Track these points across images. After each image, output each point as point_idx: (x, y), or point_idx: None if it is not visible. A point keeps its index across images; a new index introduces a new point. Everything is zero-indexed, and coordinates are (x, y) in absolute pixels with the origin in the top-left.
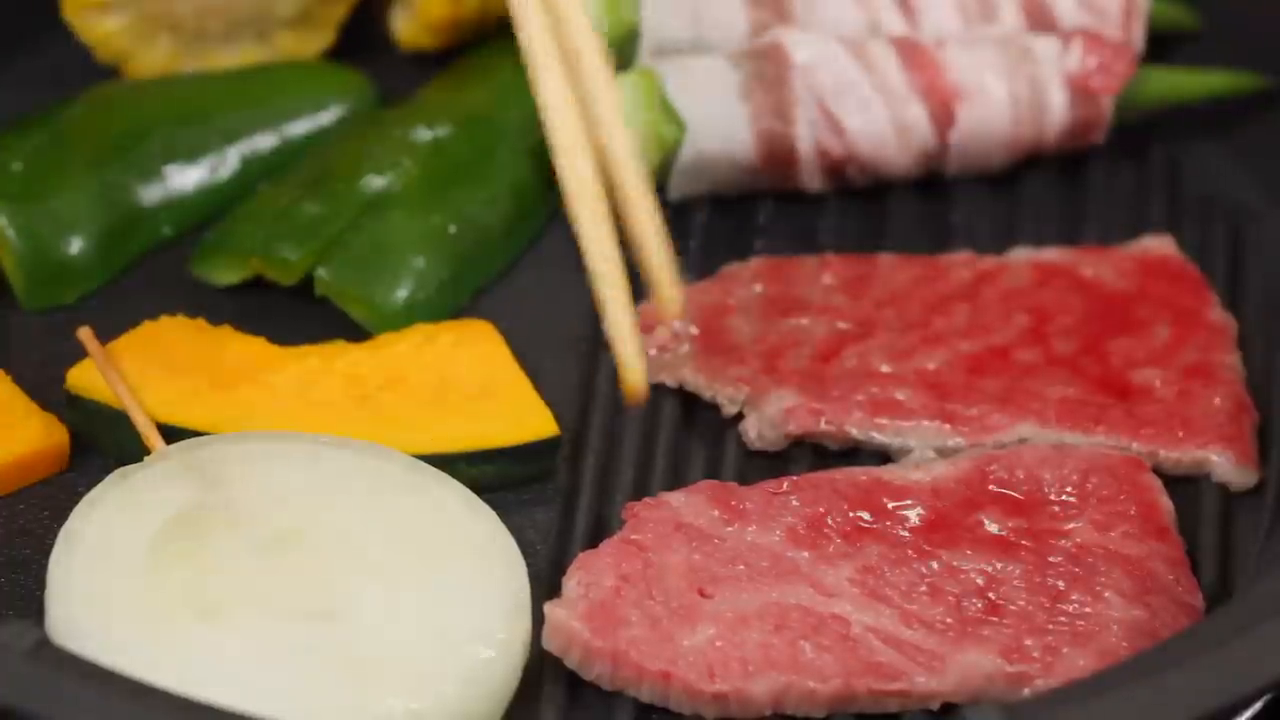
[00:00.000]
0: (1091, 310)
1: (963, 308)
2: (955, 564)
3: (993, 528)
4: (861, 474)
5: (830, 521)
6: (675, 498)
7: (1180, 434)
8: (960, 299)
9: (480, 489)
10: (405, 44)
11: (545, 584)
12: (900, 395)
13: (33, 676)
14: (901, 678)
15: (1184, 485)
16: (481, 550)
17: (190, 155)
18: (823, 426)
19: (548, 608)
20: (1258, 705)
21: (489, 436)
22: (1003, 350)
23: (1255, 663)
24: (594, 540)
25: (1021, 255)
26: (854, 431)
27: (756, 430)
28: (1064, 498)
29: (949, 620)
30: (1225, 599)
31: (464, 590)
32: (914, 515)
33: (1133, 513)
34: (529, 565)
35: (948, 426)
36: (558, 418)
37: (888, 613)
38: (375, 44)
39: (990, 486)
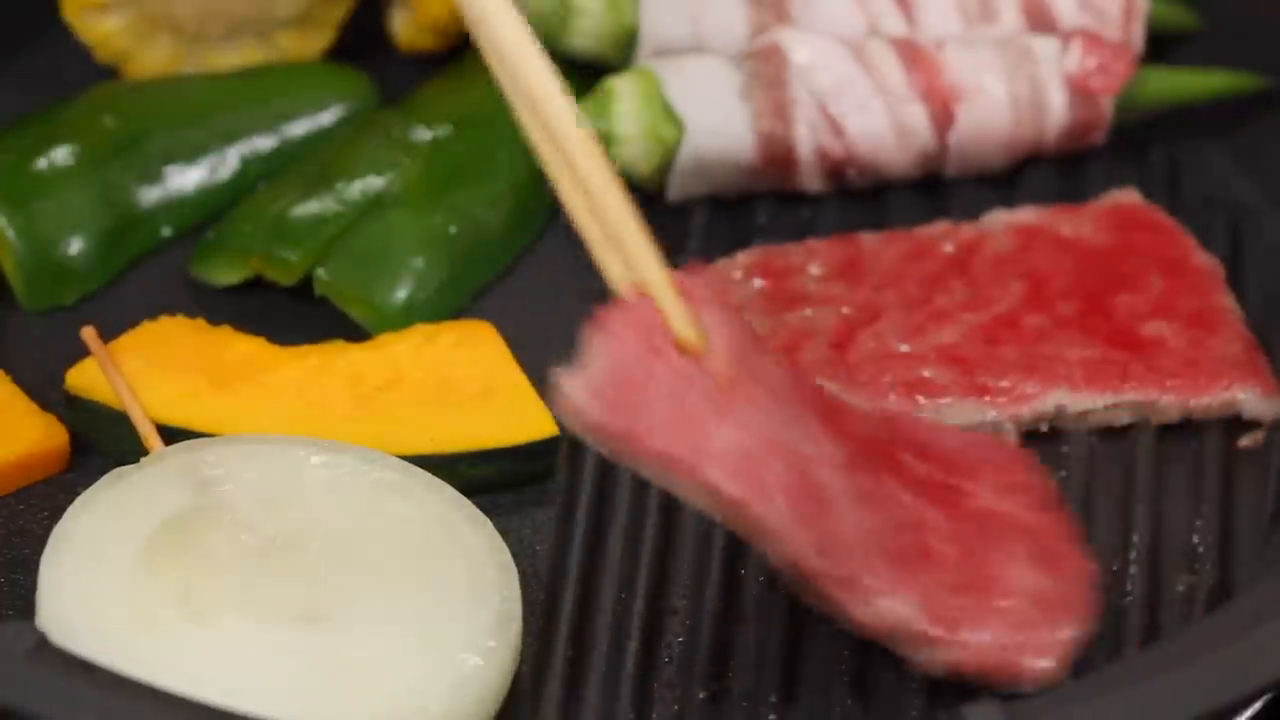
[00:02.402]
0: (1082, 268)
1: (958, 280)
2: (893, 491)
3: (917, 468)
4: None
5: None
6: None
7: (1203, 380)
8: (953, 272)
9: (480, 489)
10: (405, 44)
11: (544, 585)
12: (927, 373)
13: (32, 677)
14: (848, 585)
15: (1183, 485)
16: (473, 557)
17: (190, 155)
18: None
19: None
20: (1257, 705)
21: (489, 437)
22: (1010, 318)
23: (1255, 663)
24: (594, 540)
25: (997, 219)
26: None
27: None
28: (961, 460)
29: (892, 545)
30: (1225, 599)
31: (454, 597)
32: (858, 432)
33: (1024, 485)
34: (528, 565)
35: (986, 399)
36: (557, 418)
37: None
38: (375, 44)
39: (904, 432)
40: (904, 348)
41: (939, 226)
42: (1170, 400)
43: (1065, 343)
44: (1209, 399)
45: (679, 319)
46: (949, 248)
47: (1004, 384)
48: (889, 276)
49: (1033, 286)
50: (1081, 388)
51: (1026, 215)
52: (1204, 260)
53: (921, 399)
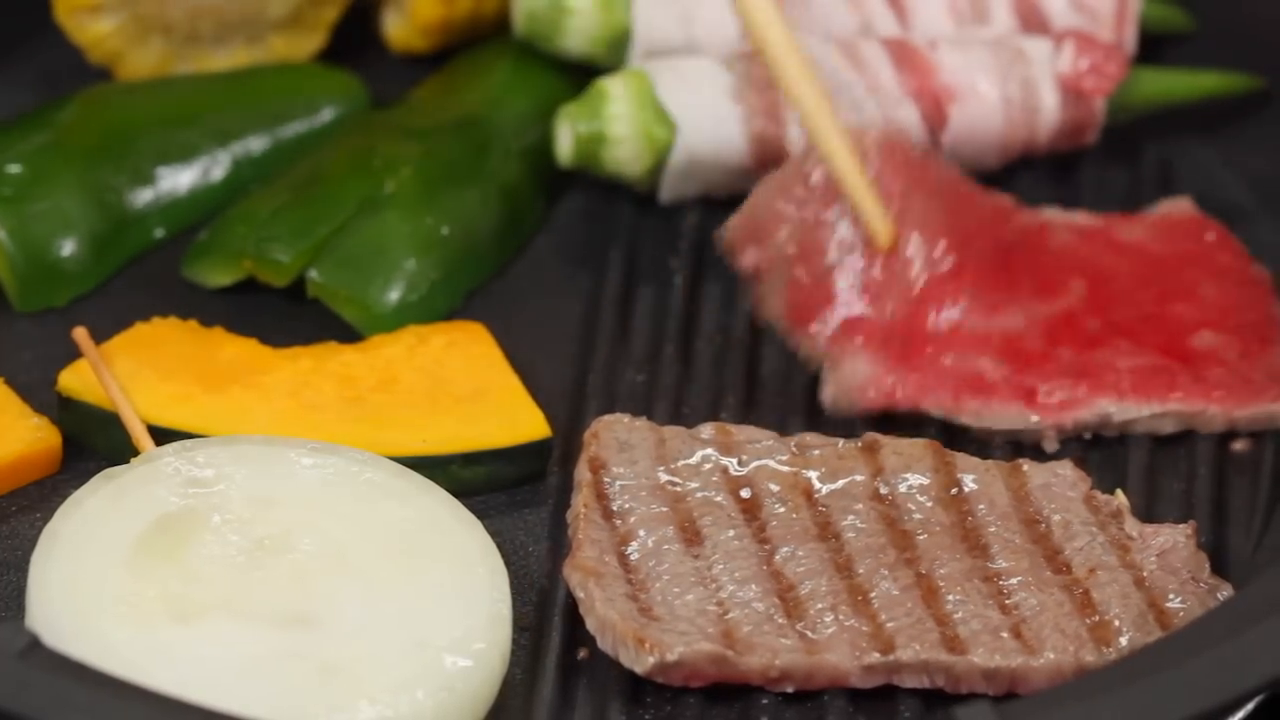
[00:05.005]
0: (1139, 274)
1: (1025, 260)
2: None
3: None
4: None
5: None
6: None
7: (1250, 392)
8: (1023, 249)
9: (472, 491)
10: (397, 46)
11: (536, 586)
12: (983, 366)
13: (24, 678)
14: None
15: (1176, 489)
16: (464, 559)
17: (182, 157)
18: (899, 402)
19: None
20: (1249, 706)
21: (481, 438)
22: (1071, 316)
23: (1247, 664)
24: None
25: (1055, 215)
26: (932, 412)
27: (832, 397)
28: None
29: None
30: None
31: (444, 599)
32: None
33: None
34: (520, 567)
35: (1032, 403)
36: (550, 419)
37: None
38: (367, 46)
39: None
40: (970, 326)
41: (1003, 197)
42: (1215, 411)
43: (1117, 350)
44: (1254, 411)
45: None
46: (1020, 222)
47: (1050, 388)
48: (972, 231)
49: (1093, 287)
50: (1129, 396)
51: (1080, 219)
52: (1257, 271)
53: (969, 399)
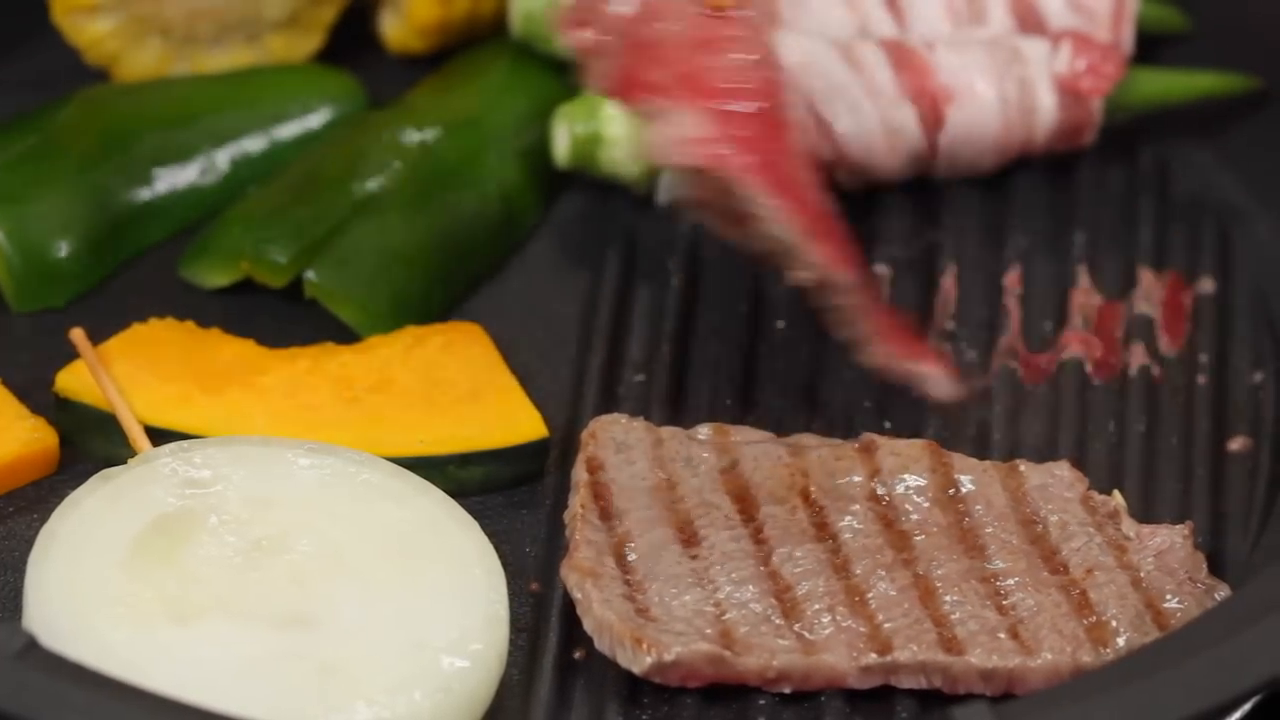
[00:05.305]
0: None
1: None
2: None
3: None
4: None
5: None
6: None
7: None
8: None
9: (469, 491)
10: (394, 47)
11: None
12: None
13: (21, 679)
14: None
15: (1175, 488)
16: (461, 560)
17: (180, 158)
18: (719, 163)
19: None
20: (1246, 707)
21: (478, 438)
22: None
23: (1244, 664)
24: None
25: None
26: (739, 193)
27: (653, 148)
28: None
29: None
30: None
31: (442, 599)
32: None
33: None
34: (517, 566)
35: (792, 220)
36: (547, 420)
37: None
38: (365, 47)
39: None
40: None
41: None
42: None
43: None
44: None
45: None
46: None
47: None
48: None
49: None
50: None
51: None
52: None
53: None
